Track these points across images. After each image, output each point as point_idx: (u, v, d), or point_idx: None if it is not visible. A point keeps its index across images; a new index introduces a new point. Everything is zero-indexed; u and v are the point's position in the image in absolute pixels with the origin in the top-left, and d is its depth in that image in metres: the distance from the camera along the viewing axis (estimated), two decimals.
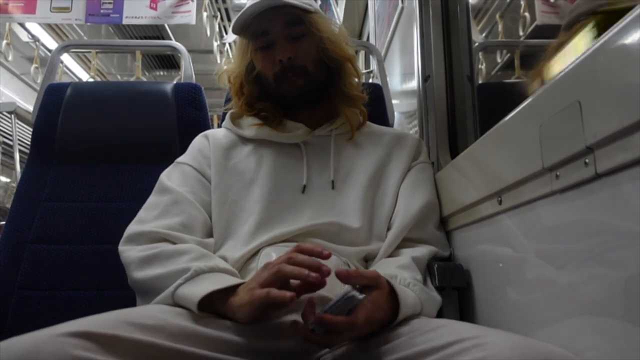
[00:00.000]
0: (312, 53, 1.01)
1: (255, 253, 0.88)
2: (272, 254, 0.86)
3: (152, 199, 0.97)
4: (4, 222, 1.28)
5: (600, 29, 0.82)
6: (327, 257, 0.71)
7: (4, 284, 1.17)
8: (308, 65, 1.01)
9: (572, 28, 0.90)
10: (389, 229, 0.96)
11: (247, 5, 0.98)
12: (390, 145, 1.05)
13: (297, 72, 0.99)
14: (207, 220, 0.94)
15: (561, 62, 0.71)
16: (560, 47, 0.91)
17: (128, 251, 0.88)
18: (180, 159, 1.04)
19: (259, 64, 1.03)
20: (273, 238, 0.89)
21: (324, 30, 1.01)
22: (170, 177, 1.00)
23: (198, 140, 1.08)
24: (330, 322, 0.67)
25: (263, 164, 1.00)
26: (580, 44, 0.86)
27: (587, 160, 0.57)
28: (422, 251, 0.92)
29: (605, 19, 0.83)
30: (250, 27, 1.00)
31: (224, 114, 1.17)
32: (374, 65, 1.85)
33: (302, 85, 1.00)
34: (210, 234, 0.94)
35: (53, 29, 4.74)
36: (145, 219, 0.92)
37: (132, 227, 0.91)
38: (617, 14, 0.80)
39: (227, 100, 1.18)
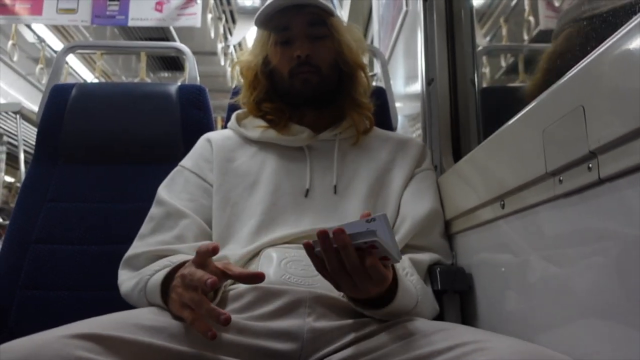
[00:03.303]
0: (329, 55, 1.03)
1: (256, 254, 0.88)
2: (272, 255, 0.86)
3: (151, 210, 0.98)
4: (8, 222, 1.28)
5: (585, 36, 0.82)
6: (215, 250, 0.70)
7: (7, 283, 1.17)
8: (323, 66, 1.02)
9: (558, 37, 0.90)
10: None
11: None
12: (394, 151, 1.05)
13: (312, 69, 1.00)
14: (203, 226, 0.94)
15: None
16: (550, 57, 0.91)
17: (121, 276, 0.91)
18: (183, 162, 1.05)
19: (276, 57, 1.03)
20: (274, 240, 0.89)
21: (344, 35, 1.03)
22: (170, 186, 1.00)
23: (200, 144, 1.08)
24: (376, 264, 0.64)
25: (266, 167, 1.00)
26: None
27: (590, 165, 0.57)
28: (423, 256, 0.92)
29: (589, 25, 0.83)
30: (273, 20, 1.02)
31: (229, 113, 1.17)
32: (377, 69, 1.85)
33: (315, 84, 1.01)
34: (206, 239, 0.94)
35: (59, 30, 4.77)
36: (143, 235, 0.94)
37: (130, 250, 0.93)
38: (601, 18, 0.81)
39: (235, 93, 1.18)
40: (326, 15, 1.01)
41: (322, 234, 0.64)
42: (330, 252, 0.65)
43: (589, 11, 0.85)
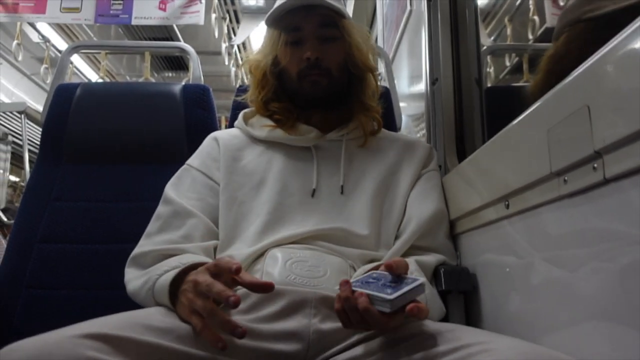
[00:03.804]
0: (339, 57, 1.02)
1: (261, 254, 0.88)
2: (277, 255, 0.86)
3: (158, 209, 0.98)
4: (13, 221, 1.28)
5: (587, 37, 0.81)
6: (238, 271, 0.68)
7: (13, 282, 1.17)
8: (333, 68, 1.01)
9: (559, 39, 0.90)
10: (397, 237, 0.95)
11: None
12: (401, 152, 1.05)
13: (321, 71, 1.00)
14: (209, 225, 0.94)
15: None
16: (551, 59, 0.90)
17: (128, 274, 0.90)
18: (189, 161, 1.05)
19: (285, 58, 1.03)
20: (280, 240, 0.89)
21: (355, 37, 1.03)
22: (177, 184, 1.00)
23: (207, 143, 1.08)
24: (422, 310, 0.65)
25: (273, 166, 1.00)
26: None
27: (595, 165, 0.57)
28: (429, 258, 0.92)
29: (590, 26, 0.83)
30: (284, 20, 1.01)
31: (234, 111, 1.17)
32: (381, 68, 1.85)
33: (324, 86, 1.01)
34: (213, 238, 0.94)
35: (63, 29, 4.78)
36: (150, 233, 0.94)
37: (137, 249, 0.92)
38: (603, 19, 0.80)
39: (242, 91, 1.18)
40: (337, 16, 1.01)
41: (344, 286, 0.67)
42: (354, 312, 0.66)
43: (590, 12, 0.85)
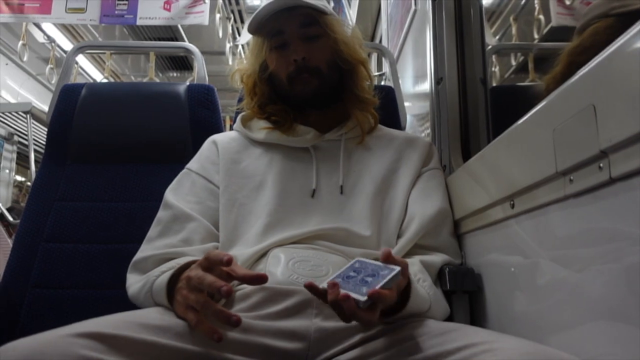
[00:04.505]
0: (326, 54, 1.02)
1: (263, 254, 0.88)
2: (280, 255, 0.86)
3: (158, 213, 0.98)
4: (18, 221, 1.29)
5: (613, 32, 0.81)
6: (229, 262, 0.68)
7: (18, 282, 1.18)
8: (322, 66, 1.01)
9: (584, 31, 0.90)
10: (399, 235, 0.95)
11: (263, 5, 0.99)
12: (400, 150, 1.05)
13: (311, 72, 1.00)
14: (209, 228, 0.94)
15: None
16: (573, 51, 0.90)
17: (129, 280, 0.90)
18: (189, 165, 1.05)
19: (272, 63, 1.03)
20: (281, 240, 0.89)
21: (339, 32, 1.02)
22: (177, 189, 1.00)
23: (206, 147, 1.08)
24: (384, 296, 0.64)
25: (272, 168, 1.00)
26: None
27: (601, 165, 0.57)
28: (434, 258, 0.91)
29: (618, 22, 0.83)
30: (266, 26, 1.01)
31: (237, 115, 1.18)
32: (386, 68, 1.85)
33: (315, 86, 1.00)
34: (213, 241, 0.94)
35: (68, 29, 4.79)
36: (151, 238, 0.94)
37: (138, 254, 0.92)
38: (631, 16, 0.80)
39: (240, 100, 1.19)
40: (319, 14, 1.01)
41: (331, 289, 0.65)
42: (343, 315, 0.65)
43: (619, 8, 0.85)
